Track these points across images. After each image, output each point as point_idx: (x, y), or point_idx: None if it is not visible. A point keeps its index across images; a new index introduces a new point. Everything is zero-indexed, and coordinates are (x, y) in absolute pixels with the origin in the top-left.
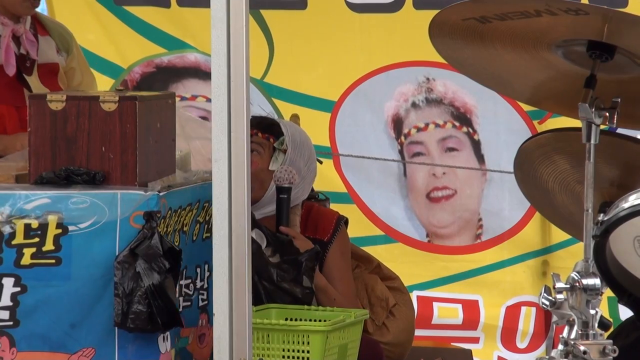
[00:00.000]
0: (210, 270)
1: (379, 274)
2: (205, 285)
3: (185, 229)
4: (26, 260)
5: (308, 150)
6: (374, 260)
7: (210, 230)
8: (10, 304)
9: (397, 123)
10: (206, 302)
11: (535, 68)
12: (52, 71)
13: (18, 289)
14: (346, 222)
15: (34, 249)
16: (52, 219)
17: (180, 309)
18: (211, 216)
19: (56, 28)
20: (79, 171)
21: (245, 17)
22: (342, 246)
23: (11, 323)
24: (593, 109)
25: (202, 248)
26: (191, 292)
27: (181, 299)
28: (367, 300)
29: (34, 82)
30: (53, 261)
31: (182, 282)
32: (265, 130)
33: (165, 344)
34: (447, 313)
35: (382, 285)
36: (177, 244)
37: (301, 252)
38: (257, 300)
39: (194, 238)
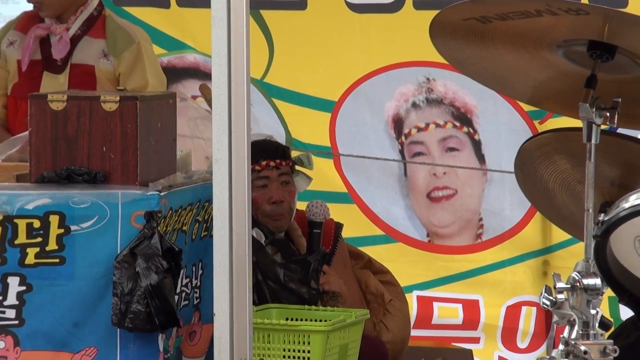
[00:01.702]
0: (204, 267)
1: (370, 268)
2: (199, 283)
3: (184, 228)
4: (30, 259)
5: None
6: (365, 255)
7: (208, 229)
8: (17, 302)
9: (398, 123)
10: (199, 299)
11: (535, 68)
12: (87, 72)
13: (24, 287)
14: (342, 227)
15: (37, 249)
16: (53, 219)
17: (180, 308)
18: (210, 215)
19: (115, 34)
20: (79, 171)
21: (246, 18)
22: (344, 256)
23: (17, 322)
24: (594, 109)
25: (199, 246)
26: (189, 291)
27: (179, 297)
28: (364, 297)
29: (59, 80)
30: (57, 260)
31: (182, 281)
32: (287, 157)
33: (163, 343)
34: (447, 313)
35: (375, 280)
36: (174, 242)
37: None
38: (261, 299)
39: (193, 237)
